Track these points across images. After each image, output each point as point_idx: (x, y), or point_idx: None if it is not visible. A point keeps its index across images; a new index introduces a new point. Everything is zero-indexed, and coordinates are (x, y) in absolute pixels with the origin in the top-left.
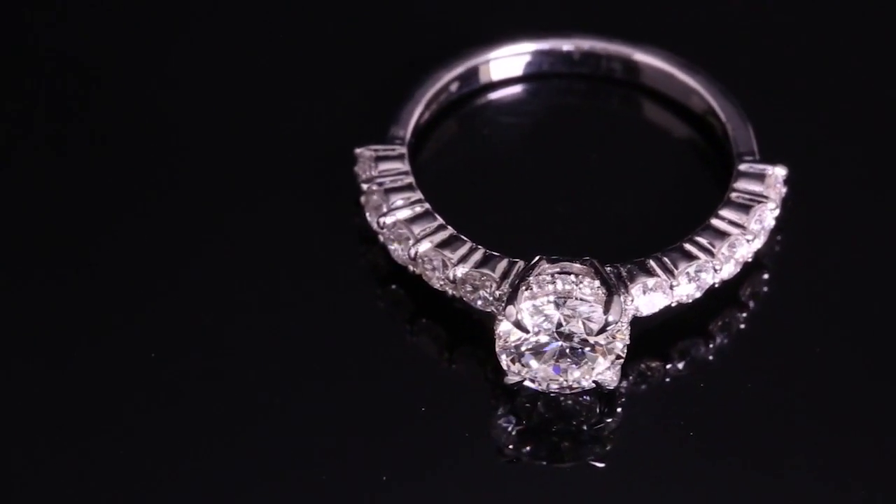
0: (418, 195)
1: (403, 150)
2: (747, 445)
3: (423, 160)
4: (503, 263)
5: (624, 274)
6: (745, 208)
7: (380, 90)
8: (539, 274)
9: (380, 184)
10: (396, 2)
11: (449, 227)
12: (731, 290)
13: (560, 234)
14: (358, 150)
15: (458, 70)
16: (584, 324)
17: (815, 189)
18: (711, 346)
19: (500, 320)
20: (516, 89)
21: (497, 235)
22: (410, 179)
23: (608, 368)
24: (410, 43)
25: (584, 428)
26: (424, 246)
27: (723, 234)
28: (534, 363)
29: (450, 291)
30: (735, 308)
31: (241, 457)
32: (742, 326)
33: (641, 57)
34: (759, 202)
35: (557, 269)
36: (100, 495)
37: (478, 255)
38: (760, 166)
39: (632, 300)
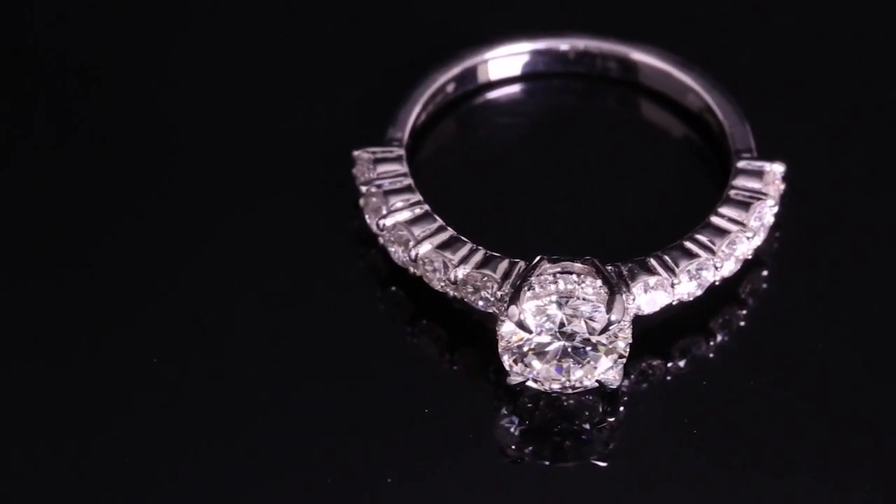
0: (417, 197)
1: (402, 151)
2: (750, 443)
3: (420, 161)
4: (504, 264)
5: (625, 273)
6: (744, 205)
7: (376, 92)
8: (541, 274)
9: (379, 186)
10: (392, 3)
11: (449, 228)
12: (731, 288)
13: (559, 233)
14: (356, 153)
15: (455, 71)
16: (586, 323)
17: (812, 185)
18: (712, 343)
19: (503, 321)
20: (513, 89)
21: (496, 236)
22: (409, 181)
23: (611, 368)
24: (405, 44)
25: (587, 427)
26: (425, 248)
27: (723, 232)
28: (536, 363)
29: (451, 293)
30: (735, 305)
31: (243, 457)
32: (742, 324)
33: (638, 56)
34: (759, 199)
35: (559, 269)
36: (100, 495)
37: (478, 256)
38: (758, 163)
39: (633, 299)
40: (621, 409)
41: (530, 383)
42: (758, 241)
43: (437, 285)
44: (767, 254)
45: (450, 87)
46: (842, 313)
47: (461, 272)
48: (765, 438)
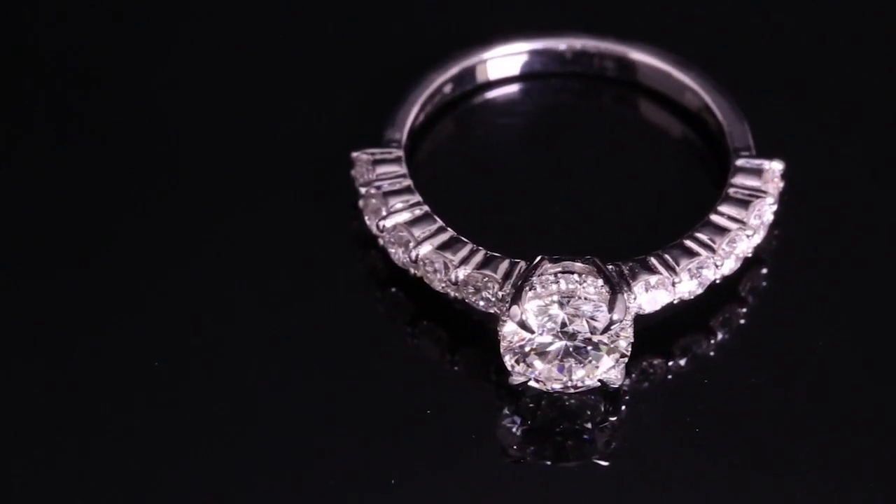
0: (417, 198)
1: (400, 152)
2: (751, 442)
3: (418, 162)
4: (505, 264)
5: (626, 272)
6: (743, 203)
7: (373, 93)
8: (542, 274)
9: (378, 187)
10: (388, 4)
11: (449, 229)
12: (731, 286)
13: (559, 233)
14: (355, 154)
15: (453, 71)
16: (588, 323)
17: (810, 183)
18: (713, 342)
19: (504, 321)
20: (511, 90)
21: (496, 236)
22: (409, 182)
23: (613, 367)
24: (401, 45)
25: (589, 427)
26: (425, 249)
27: (723, 230)
28: (538, 363)
29: (452, 293)
30: (735, 303)
31: (245, 459)
32: (742, 322)
33: (635, 55)
34: (758, 197)
35: (560, 269)
36: (100, 495)
37: (479, 257)
38: (757, 161)
39: (634, 298)
40: (623, 408)
41: (532, 383)
42: (757, 239)
43: (438, 286)
44: (766, 252)
45: (447, 88)
46: (842, 310)
47: (462, 273)
48: (766, 436)
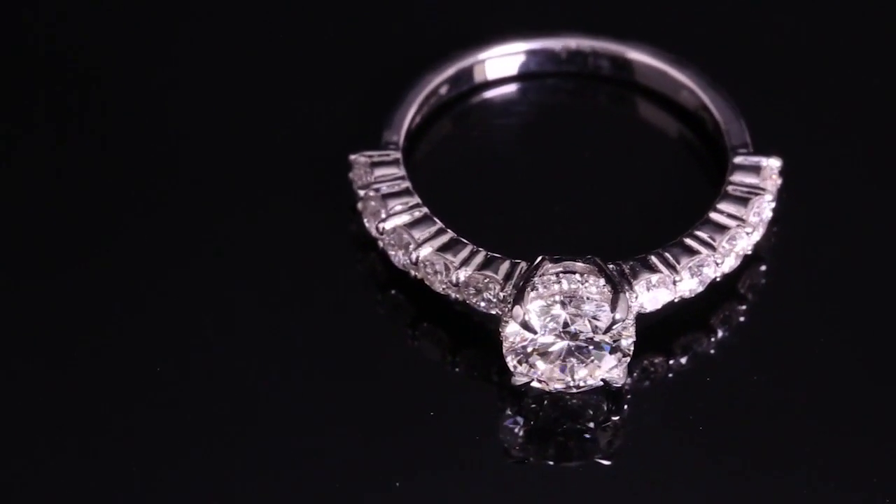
0: (416, 200)
1: (398, 154)
2: (753, 439)
3: (416, 163)
4: (505, 265)
5: (627, 271)
6: (742, 201)
7: (368, 95)
8: (543, 274)
9: (377, 189)
10: (381, 6)
11: (449, 230)
12: (730, 283)
13: (558, 233)
14: (353, 157)
15: (449, 72)
16: (590, 323)
17: (806, 180)
18: (713, 340)
19: (506, 322)
20: (507, 90)
21: (495, 236)
22: (407, 184)
23: (615, 366)
24: (397, 47)
25: (591, 426)
26: (426, 250)
27: (722, 228)
28: (540, 364)
29: (453, 295)
30: (735, 301)
31: (247, 460)
32: (742, 319)
33: (631, 54)
34: (757, 194)
35: (561, 269)
36: (100, 495)
37: (480, 258)
38: (755, 158)
39: (636, 297)
40: (625, 407)
41: (534, 384)
42: (757, 236)
43: (439, 288)
44: (765, 249)
45: (443, 89)
46: (841, 307)
47: (463, 274)
48: (768, 435)
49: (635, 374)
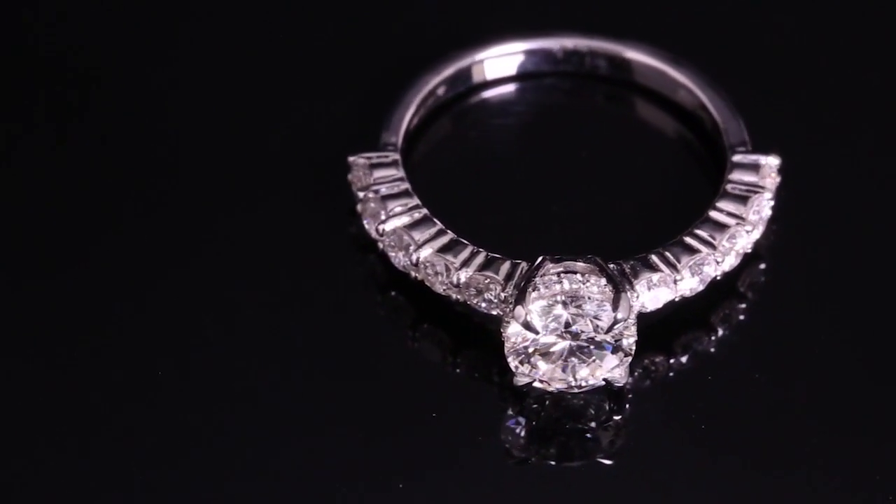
0: (415, 201)
1: (397, 156)
2: (755, 438)
3: (414, 164)
4: (506, 265)
5: (627, 270)
6: (742, 199)
7: (365, 96)
8: (544, 274)
9: (376, 191)
10: (377, 7)
11: (449, 231)
12: (730, 282)
13: (557, 233)
14: (351, 158)
15: (447, 73)
16: (592, 322)
17: (805, 178)
18: (713, 338)
19: (508, 322)
20: (505, 90)
21: (494, 237)
22: (406, 185)
23: (617, 366)
24: (392, 48)
25: (593, 426)
26: (426, 252)
27: (722, 227)
28: (542, 364)
29: (453, 296)
30: (735, 299)
31: (249, 462)
32: (742, 318)
33: (629, 53)
34: (756, 192)
35: (562, 269)
36: (99, 495)
37: (480, 259)
38: (754, 157)
39: (637, 296)
40: (627, 406)
41: (536, 384)
42: (757, 234)
43: (440, 289)
44: (764, 247)
45: (441, 90)
46: (840, 304)
47: (464, 275)
48: (770, 433)
49: (636, 374)
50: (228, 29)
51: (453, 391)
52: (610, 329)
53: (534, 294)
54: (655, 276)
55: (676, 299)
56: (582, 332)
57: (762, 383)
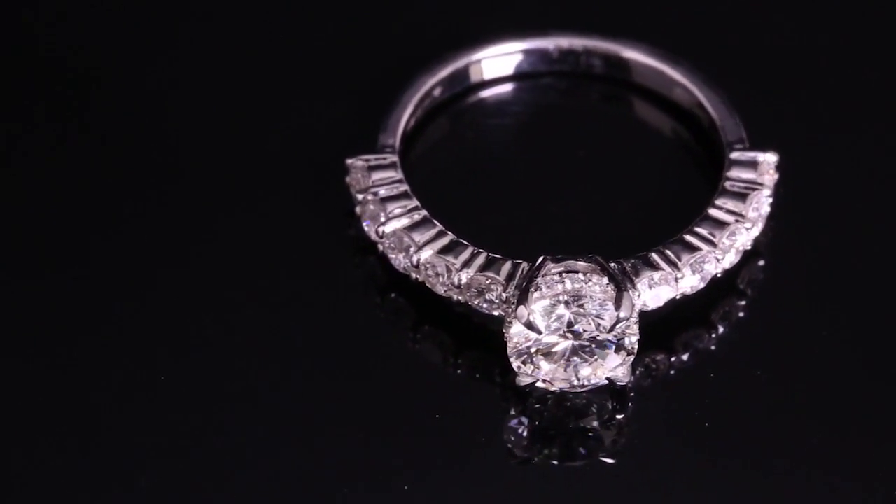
0: (415, 202)
1: (395, 158)
2: (757, 436)
3: (412, 166)
4: (507, 266)
5: (628, 269)
6: (741, 196)
7: (361, 98)
8: (546, 274)
9: (375, 193)
10: (374, 9)
11: (449, 232)
12: (729, 279)
13: (556, 233)
14: (350, 161)
15: (443, 74)
16: (595, 322)
17: (801, 175)
18: (714, 336)
19: (510, 323)
20: (502, 90)
21: (494, 237)
22: (405, 187)
23: (620, 365)
24: (388, 49)
25: (596, 425)
26: (426, 253)
27: (722, 224)
28: (544, 364)
29: (455, 297)
30: (734, 297)
31: (251, 465)
32: (742, 315)
33: (626, 52)
34: (755, 189)
35: (563, 269)
36: (99, 496)
37: (481, 259)
38: (751, 154)
39: (639, 295)
40: (629, 405)
41: (539, 384)
42: (756, 231)
43: (440, 290)
44: (763, 244)
45: (437, 91)
46: (840, 299)
47: (465, 276)
48: (772, 430)
49: (638, 372)
50: (227, 30)
51: (455, 392)
52: (612, 328)
53: (536, 294)
54: (657, 275)
55: (677, 297)
56: (584, 331)
57: (764, 380)
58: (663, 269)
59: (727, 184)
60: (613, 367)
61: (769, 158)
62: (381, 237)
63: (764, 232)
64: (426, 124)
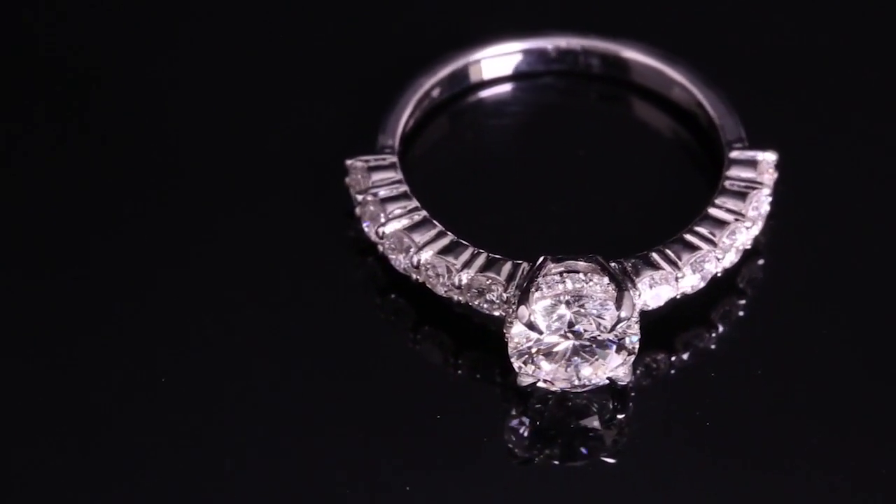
0: (415, 203)
1: (394, 158)
2: (759, 434)
3: (411, 166)
4: (508, 266)
5: (629, 269)
6: (740, 195)
7: (359, 99)
8: (546, 274)
9: (375, 194)
10: (372, 9)
11: (449, 233)
12: (729, 278)
13: (556, 233)
14: (349, 162)
15: (441, 74)
16: (596, 321)
17: (800, 173)
18: (714, 335)
19: (512, 323)
20: (500, 90)
21: (493, 238)
22: (405, 188)
23: (621, 365)
24: (386, 50)
25: (597, 425)
26: (427, 254)
27: (722, 223)
28: (546, 364)
29: (455, 297)
30: (734, 296)
31: (252, 464)
32: (742, 314)
33: (625, 52)
34: (754, 188)
35: (563, 269)
36: (99, 496)
37: (481, 260)
38: (751, 153)
39: (639, 294)
40: (630, 405)
41: (540, 384)
42: (756, 230)
43: (441, 291)
44: (762, 243)
45: (435, 92)
46: (840, 298)
47: (465, 276)
48: (773, 428)
49: (638, 372)
50: (227, 30)
51: (456, 393)
52: (613, 328)
53: (537, 294)
54: (657, 274)
55: (678, 297)
56: (585, 331)
57: (764, 379)
58: (664, 269)
59: (727, 183)
60: (614, 367)
61: (768, 157)
62: (382, 238)
63: (763, 231)
64: (425, 125)
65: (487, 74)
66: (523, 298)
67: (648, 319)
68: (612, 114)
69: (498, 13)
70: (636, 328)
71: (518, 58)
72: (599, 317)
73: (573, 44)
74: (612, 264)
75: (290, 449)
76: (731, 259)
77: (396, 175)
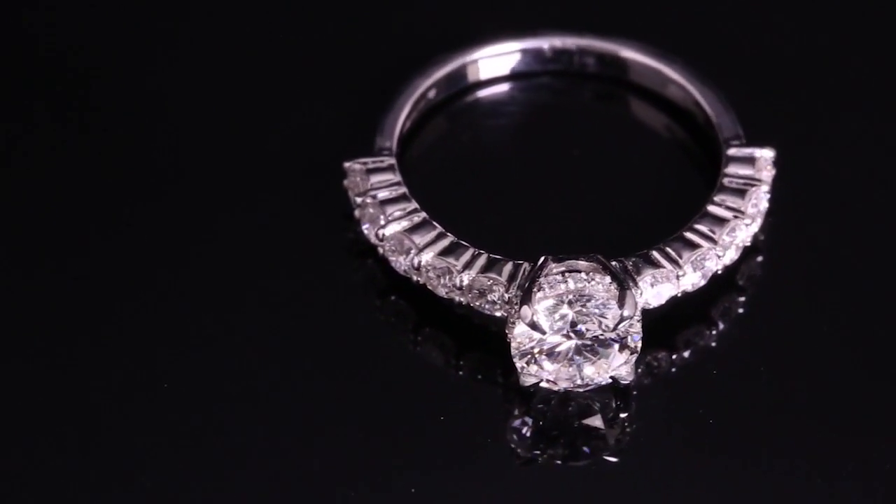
0: (414, 205)
1: (392, 160)
2: (760, 431)
3: (409, 168)
4: (509, 266)
5: (630, 267)
6: (739, 193)
7: (356, 101)
8: (548, 274)
9: (374, 196)
10: (370, 10)
11: (449, 234)
12: (728, 276)
13: (555, 233)
14: (347, 164)
15: (438, 75)
16: (598, 321)
17: (798, 170)
18: (714, 332)
19: (514, 323)
20: (497, 90)
21: (493, 238)
22: (404, 190)
23: (623, 364)
24: (383, 50)
25: (599, 424)
26: (427, 255)
27: (721, 221)
28: (548, 364)
29: (456, 298)
30: (734, 293)
31: (254, 469)
32: (742, 311)
33: (622, 51)
34: (753, 185)
35: (565, 268)
36: (99, 496)
37: (482, 260)
38: (748, 150)
39: (641, 293)
40: (633, 404)
41: (543, 384)
42: (755, 227)
43: (442, 292)
44: (761, 240)
45: (432, 93)
46: (839, 294)
47: (466, 277)
48: (774, 426)
49: (639, 371)
50: (227, 30)
51: (458, 393)
52: (616, 327)
53: (539, 294)
54: (658, 273)
55: (678, 295)
56: (588, 330)
57: (767, 376)
58: (665, 267)
59: (725, 180)
60: (617, 366)
61: (766, 154)
62: (381, 240)
63: (762, 228)
64: (422, 126)
65: (484, 75)
66: (526, 298)
67: (649, 318)
68: (609, 113)
69: (493, 13)
70: (638, 327)
71: (514, 58)
72: (602, 316)
73: (569, 43)
74: (614, 263)
75: (289, 448)
76: (731, 256)
77: (395, 177)
